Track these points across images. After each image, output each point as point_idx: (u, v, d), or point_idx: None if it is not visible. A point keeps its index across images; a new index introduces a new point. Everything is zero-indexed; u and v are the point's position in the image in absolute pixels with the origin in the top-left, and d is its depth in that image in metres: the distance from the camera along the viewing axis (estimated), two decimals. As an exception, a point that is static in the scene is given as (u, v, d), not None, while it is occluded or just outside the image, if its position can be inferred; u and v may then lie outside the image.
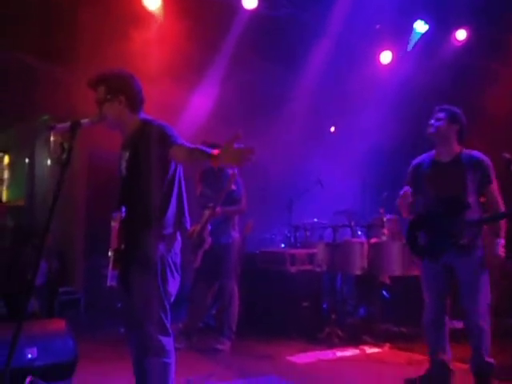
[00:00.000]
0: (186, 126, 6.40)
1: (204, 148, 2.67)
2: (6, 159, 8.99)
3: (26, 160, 8.45)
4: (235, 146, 2.45)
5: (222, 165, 2.58)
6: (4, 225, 7.20)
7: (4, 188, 8.86)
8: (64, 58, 7.01)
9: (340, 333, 5.56)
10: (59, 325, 3.95)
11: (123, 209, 2.86)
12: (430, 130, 3.90)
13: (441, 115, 3.90)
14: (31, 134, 8.06)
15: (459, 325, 4.52)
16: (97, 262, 6.57)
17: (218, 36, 7.47)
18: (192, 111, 7.35)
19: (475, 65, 7.61)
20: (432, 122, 3.91)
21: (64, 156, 2.66)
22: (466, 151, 3.88)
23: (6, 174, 8.90)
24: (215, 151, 2.54)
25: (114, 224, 2.86)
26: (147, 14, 6.99)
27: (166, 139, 2.80)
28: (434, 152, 3.98)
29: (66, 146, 2.69)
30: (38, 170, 8.07)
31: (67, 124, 2.77)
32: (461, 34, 7.85)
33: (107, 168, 4.03)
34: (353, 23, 7.86)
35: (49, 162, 7.67)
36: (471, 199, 3.74)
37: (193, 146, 2.78)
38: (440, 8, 7.53)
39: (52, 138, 2.85)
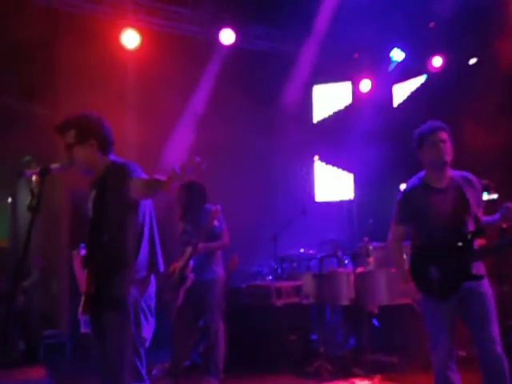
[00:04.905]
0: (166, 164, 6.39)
1: (158, 177, 2.64)
2: (-11, 200, 8.89)
3: (9, 200, 8.37)
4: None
5: (173, 186, 2.56)
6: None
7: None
8: (44, 97, 7.02)
9: (329, 366, 5.46)
10: (39, 373, 3.88)
11: (81, 245, 2.81)
12: (446, 157, 3.38)
13: (444, 136, 3.41)
14: (14, 174, 7.98)
15: (462, 353, 4.38)
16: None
17: (197, 71, 7.54)
18: (172, 149, 7.35)
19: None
20: (441, 145, 3.38)
21: (34, 201, 2.64)
22: (456, 173, 3.49)
23: (-12, 215, 8.79)
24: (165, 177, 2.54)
25: (75, 262, 2.82)
26: (126, 53, 7.06)
27: (126, 174, 2.80)
28: (423, 177, 3.51)
29: (35, 191, 2.67)
30: (21, 211, 7.98)
31: (37, 170, 2.75)
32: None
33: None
34: (331, 53, 8.02)
35: (31, 203, 7.59)
36: (471, 223, 3.40)
37: (148, 177, 2.76)
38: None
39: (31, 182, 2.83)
